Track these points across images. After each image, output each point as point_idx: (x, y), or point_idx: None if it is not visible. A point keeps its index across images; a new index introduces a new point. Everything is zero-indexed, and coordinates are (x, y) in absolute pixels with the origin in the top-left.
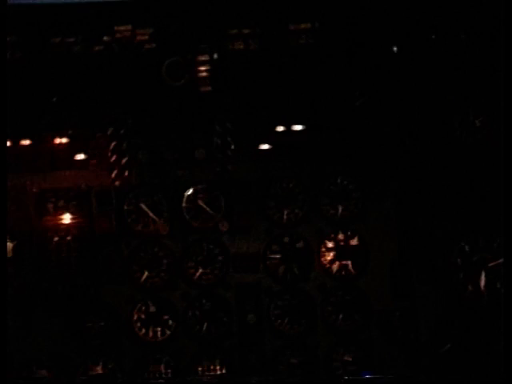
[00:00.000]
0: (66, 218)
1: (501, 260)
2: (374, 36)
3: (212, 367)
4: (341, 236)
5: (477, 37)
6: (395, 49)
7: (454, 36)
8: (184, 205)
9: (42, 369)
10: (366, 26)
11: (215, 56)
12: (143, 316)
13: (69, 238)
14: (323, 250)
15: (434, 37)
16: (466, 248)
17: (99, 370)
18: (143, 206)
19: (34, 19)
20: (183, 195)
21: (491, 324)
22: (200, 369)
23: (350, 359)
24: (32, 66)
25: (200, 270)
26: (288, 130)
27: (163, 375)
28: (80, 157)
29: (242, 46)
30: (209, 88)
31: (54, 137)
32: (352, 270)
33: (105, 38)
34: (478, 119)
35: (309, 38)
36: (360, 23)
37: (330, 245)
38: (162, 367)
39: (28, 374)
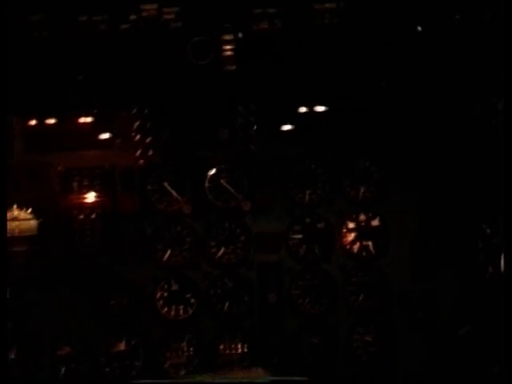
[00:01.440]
0: (91, 197)
1: None
2: (399, 15)
3: (233, 346)
4: (362, 217)
5: (499, 20)
6: (419, 28)
7: (478, 17)
8: (207, 184)
9: (66, 345)
10: (390, 6)
11: (240, 35)
12: (166, 294)
13: (93, 216)
14: (344, 230)
15: (458, 17)
16: (487, 230)
17: (122, 346)
18: (166, 186)
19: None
20: (206, 175)
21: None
22: (221, 347)
23: (370, 339)
24: (58, 45)
25: (222, 250)
26: (311, 111)
27: (185, 353)
28: (105, 136)
29: (266, 26)
30: (233, 67)
31: (80, 116)
32: (373, 251)
33: (131, 17)
34: (499, 102)
35: (333, 18)
36: (384, 3)
37: (352, 225)
38: (184, 345)
39: (52, 350)
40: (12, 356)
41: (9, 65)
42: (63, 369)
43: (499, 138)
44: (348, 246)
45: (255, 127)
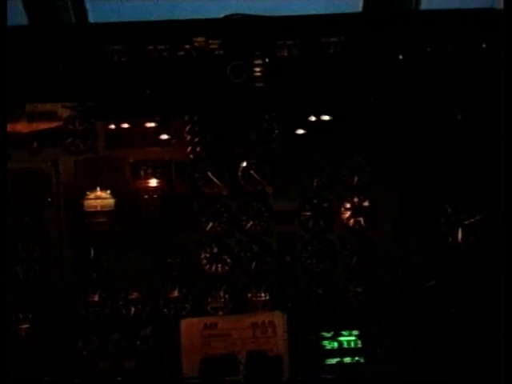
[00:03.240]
0: (153, 182)
1: (473, 219)
2: (383, 47)
3: (258, 294)
4: (356, 199)
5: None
6: (400, 57)
7: (444, 49)
8: (239, 173)
9: (135, 291)
10: (376, 40)
11: (267, 60)
12: (208, 255)
13: (155, 196)
14: (342, 209)
15: (429, 49)
16: (448, 210)
17: (176, 293)
18: (209, 174)
19: (136, 32)
20: (239, 166)
21: (466, 266)
22: (249, 295)
23: (361, 290)
24: (133, 67)
25: (250, 222)
26: (318, 119)
27: (222, 299)
28: (164, 137)
29: (286, 53)
30: (261, 85)
31: (146, 121)
32: (364, 225)
33: (186, 46)
34: (459, 114)
35: (336, 48)
36: (373, 40)
37: (348, 205)
38: (222, 293)
39: (125, 295)
40: (96, 298)
41: (90, 82)
42: (133, 308)
43: (459, 143)
44: (345, 221)
45: (277, 131)
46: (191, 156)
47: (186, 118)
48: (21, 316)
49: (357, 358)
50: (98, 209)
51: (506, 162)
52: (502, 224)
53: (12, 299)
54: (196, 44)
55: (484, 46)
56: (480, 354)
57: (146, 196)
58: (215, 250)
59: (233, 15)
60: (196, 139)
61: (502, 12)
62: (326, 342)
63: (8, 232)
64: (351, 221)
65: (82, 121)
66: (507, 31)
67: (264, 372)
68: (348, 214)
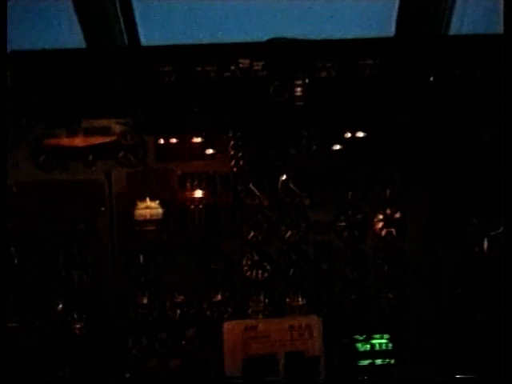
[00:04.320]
0: (199, 193)
1: (499, 230)
2: (415, 69)
3: (296, 299)
4: (388, 211)
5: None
6: (431, 79)
7: (472, 71)
8: (279, 186)
9: (181, 294)
10: (409, 62)
11: (307, 81)
12: (249, 262)
13: (200, 206)
14: (375, 220)
15: (458, 71)
16: (475, 222)
17: (219, 297)
18: (251, 186)
19: (185, 54)
20: (279, 179)
21: (491, 275)
22: (287, 300)
23: (392, 297)
24: (182, 86)
25: (289, 232)
26: (354, 136)
27: (262, 304)
28: (209, 151)
29: (325, 75)
30: (301, 103)
31: (193, 136)
32: (395, 235)
33: (232, 68)
34: (486, 132)
35: (372, 71)
36: (406, 61)
37: (381, 217)
38: (262, 298)
39: (171, 298)
40: (144, 301)
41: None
42: (179, 311)
43: (485, 157)
44: (378, 231)
45: (314, 146)
46: (234, 169)
47: (230, 134)
48: (75, 316)
49: (388, 360)
50: (148, 218)
51: None
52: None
53: (67, 301)
54: (241, 65)
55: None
56: (504, 358)
57: (192, 206)
58: (256, 257)
59: (275, 39)
60: (239, 154)
61: None
62: (359, 345)
63: (63, 239)
64: (383, 231)
65: (134, 136)
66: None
67: (301, 372)
68: (380, 224)
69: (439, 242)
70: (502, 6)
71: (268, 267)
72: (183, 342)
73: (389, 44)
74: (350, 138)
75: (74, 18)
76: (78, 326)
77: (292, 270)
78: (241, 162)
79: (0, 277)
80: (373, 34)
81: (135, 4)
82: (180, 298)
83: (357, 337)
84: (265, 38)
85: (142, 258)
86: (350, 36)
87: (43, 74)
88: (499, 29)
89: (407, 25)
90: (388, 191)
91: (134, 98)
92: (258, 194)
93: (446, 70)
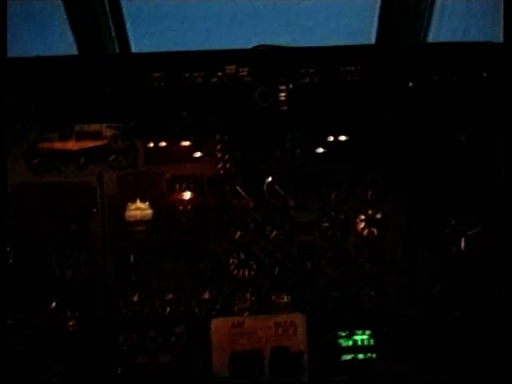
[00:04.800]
0: (187, 195)
1: (475, 230)
2: (394, 75)
3: (281, 297)
4: (370, 211)
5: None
6: (411, 84)
7: (449, 77)
8: (265, 188)
9: (170, 293)
10: (388, 72)
11: (291, 86)
12: (236, 261)
13: (189, 207)
14: (357, 220)
15: (435, 77)
16: (452, 222)
17: (206, 295)
18: (238, 188)
19: (173, 61)
20: (264, 181)
21: (468, 273)
22: (273, 297)
23: (373, 294)
24: (171, 92)
25: (274, 232)
26: (336, 139)
27: (248, 301)
28: (197, 154)
29: (308, 80)
30: (285, 108)
31: (181, 140)
32: (377, 235)
33: (218, 73)
34: (462, 136)
35: (353, 76)
36: (385, 70)
37: (362, 217)
38: (248, 295)
39: (161, 296)
40: (135, 299)
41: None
42: (168, 308)
43: (462, 163)
44: (360, 231)
45: (298, 150)
46: (221, 172)
47: (218, 138)
48: (68, 314)
49: (369, 355)
50: (138, 219)
51: (506, 175)
52: (503, 234)
53: (61, 299)
54: (227, 71)
55: (484, 75)
56: (480, 354)
57: (181, 207)
58: (242, 256)
59: (260, 46)
60: (226, 157)
61: (500, 45)
62: (341, 341)
63: (55, 240)
64: (365, 231)
65: (124, 139)
66: (507, 62)
67: (286, 366)
68: (362, 225)
69: (418, 242)
70: (477, 15)
71: (254, 266)
72: (172, 339)
73: (369, 51)
74: (332, 141)
75: (67, 26)
76: (71, 323)
77: (277, 269)
78: (228, 165)
79: (0, 276)
80: (354, 41)
81: (126, 12)
82: (169, 296)
83: (339, 333)
84: (250, 46)
85: (132, 257)
86: (332, 44)
87: (37, 80)
88: (473, 36)
89: (387, 33)
90: (370, 193)
91: (124, 103)
92: (244, 195)
93: (424, 75)
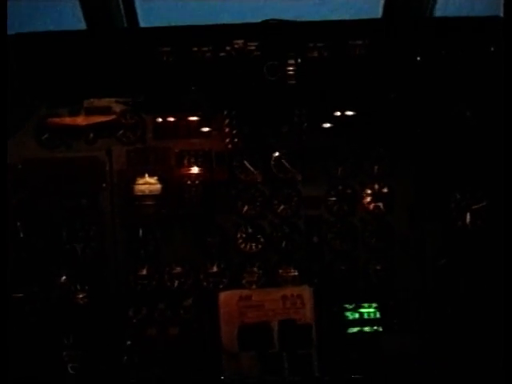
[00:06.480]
0: (195, 170)
1: (480, 204)
2: (403, 50)
3: (288, 270)
4: (376, 186)
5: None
6: (418, 58)
7: (456, 52)
8: (272, 162)
9: (178, 266)
10: (396, 46)
11: (299, 60)
12: (244, 235)
13: (196, 182)
14: (364, 195)
15: (443, 52)
16: (458, 196)
17: (215, 268)
18: (246, 163)
19: (182, 35)
20: (272, 156)
21: (473, 246)
22: (281, 271)
23: (379, 268)
24: (179, 67)
25: (282, 206)
26: (344, 114)
27: (256, 274)
28: (206, 129)
29: (316, 54)
30: (294, 82)
31: (190, 115)
32: (383, 209)
33: (227, 48)
34: (468, 111)
35: (361, 50)
36: (393, 44)
37: (369, 191)
38: (256, 269)
39: (169, 269)
40: (144, 272)
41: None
42: (176, 282)
43: (467, 138)
44: (366, 206)
45: (306, 124)
46: (229, 146)
47: (226, 113)
48: (78, 287)
49: (375, 328)
50: (147, 193)
51: (507, 156)
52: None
53: (70, 272)
54: (236, 46)
55: (491, 49)
56: (484, 329)
57: (189, 182)
58: (250, 230)
59: (269, 20)
60: (234, 131)
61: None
62: (348, 313)
63: (64, 214)
64: (372, 205)
65: (133, 115)
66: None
67: (294, 338)
68: (369, 199)
69: (424, 216)
70: None
71: (262, 240)
72: (181, 312)
73: (377, 25)
74: (339, 116)
75: (76, 1)
76: (80, 296)
77: (284, 243)
78: (235, 140)
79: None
80: (362, 16)
81: None
82: (178, 270)
83: (346, 306)
84: (259, 20)
85: (141, 231)
86: (340, 18)
87: (46, 56)
88: (480, 11)
89: (394, 7)
90: (376, 168)
91: (132, 78)
92: (252, 170)
93: (430, 50)
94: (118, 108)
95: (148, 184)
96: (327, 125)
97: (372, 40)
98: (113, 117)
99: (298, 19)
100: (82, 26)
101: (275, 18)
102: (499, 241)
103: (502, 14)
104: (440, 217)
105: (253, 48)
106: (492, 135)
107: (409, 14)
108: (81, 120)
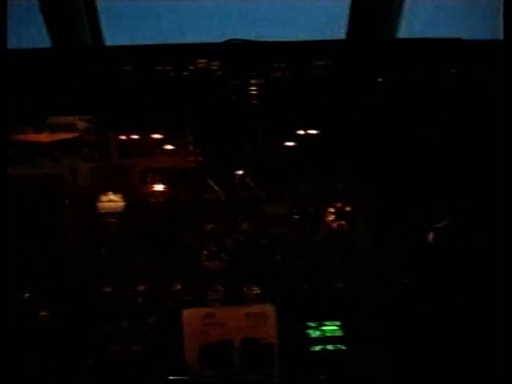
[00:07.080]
0: (160, 187)
1: (443, 224)
2: (366, 72)
3: (252, 288)
4: (339, 204)
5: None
6: (380, 79)
7: (417, 73)
8: (236, 180)
9: (142, 284)
10: (358, 66)
11: (262, 80)
12: (208, 253)
13: (161, 199)
14: (327, 213)
15: (404, 72)
16: (421, 215)
17: (179, 286)
18: (210, 181)
19: (146, 54)
20: (236, 174)
21: (437, 264)
22: (244, 289)
23: (342, 285)
24: (143, 85)
25: (246, 224)
26: (307, 133)
27: (219, 292)
28: (169, 147)
29: (279, 74)
30: (256, 102)
31: (153, 133)
32: (346, 227)
33: (190, 67)
34: (432, 131)
35: (324, 71)
36: (355, 65)
37: (332, 210)
38: (220, 287)
39: (132, 286)
40: (107, 289)
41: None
42: (140, 299)
43: (431, 155)
44: (330, 224)
45: (269, 143)
46: (193, 165)
47: (189, 131)
48: (41, 305)
49: (338, 346)
50: (110, 210)
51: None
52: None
53: (33, 290)
54: (199, 65)
55: (453, 71)
56: (450, 345)
57: (153, 200)
58: (214, 248)
59: (232, 40)
60: (198, 150)
61: (468, 42)
62: (310, 331)
63: (27, 230)
64: (335, 224)
65: (97, 132)
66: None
67: (256, 357)
68: (332, 217)
69: (388, 235)
70: (448, 10)
71: (226, 258)
72: (144, 329)
73: (340, 46)
74: (303, 135)
75: (40, 19)
76: (43, 313)
77: (248, 261)
78: (199, 158)
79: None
80: (325, 36)
81: (99, 5)
82: (141, 287)
83: (309, 323)
84: (222, 39)
85: (104, 249)
86: (303, 38)
87: (10, 73)
88: (442, 33)
89: (357, 28)
90: (339, 186)
91: (97, 96)
92: (215, 188)
93: (394, 71)
94: (82, 125)
95: (112, 201)
96: (290, 143)
97: (335, 60)
98: (77, 134)
99: (262, 39)
100: (47, 44)
101: (238, 38)
102: (462, 259)
103: (463, 36)
104: (403, 235)
105: (216, 67)
106: (456, 155)
107: (372, 35)
108: (45, 137)
